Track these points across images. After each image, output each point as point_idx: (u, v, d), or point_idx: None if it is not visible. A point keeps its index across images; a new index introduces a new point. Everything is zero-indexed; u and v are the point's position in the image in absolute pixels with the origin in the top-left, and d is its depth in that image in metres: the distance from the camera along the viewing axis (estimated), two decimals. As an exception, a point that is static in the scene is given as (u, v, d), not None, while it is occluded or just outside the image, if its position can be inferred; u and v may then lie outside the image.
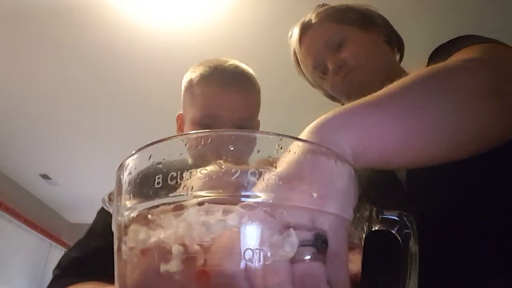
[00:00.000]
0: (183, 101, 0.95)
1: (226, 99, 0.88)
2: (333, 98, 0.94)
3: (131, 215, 0.29)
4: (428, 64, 0.65)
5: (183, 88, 0.95)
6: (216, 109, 0.87)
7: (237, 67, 0.92)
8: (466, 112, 0.41)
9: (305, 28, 0.88)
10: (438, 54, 0.63)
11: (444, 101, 0.40)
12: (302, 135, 0.34)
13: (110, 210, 0.33)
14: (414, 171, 0.58)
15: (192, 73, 0.93)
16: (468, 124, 0.41)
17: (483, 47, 0.53)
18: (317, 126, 0.35)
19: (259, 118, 0.94)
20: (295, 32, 0.90)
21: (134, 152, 0.30)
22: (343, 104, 0.94)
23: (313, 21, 0.87)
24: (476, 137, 0.42)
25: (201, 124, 0.87)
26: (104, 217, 0.90)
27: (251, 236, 0.25)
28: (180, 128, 0.97)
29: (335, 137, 0.34)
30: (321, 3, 0.93)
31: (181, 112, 0.97)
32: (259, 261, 0.24)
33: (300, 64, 0.92)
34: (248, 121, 0.89)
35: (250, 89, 0.93)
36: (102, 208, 0.90)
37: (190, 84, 0.92)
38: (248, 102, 0.91)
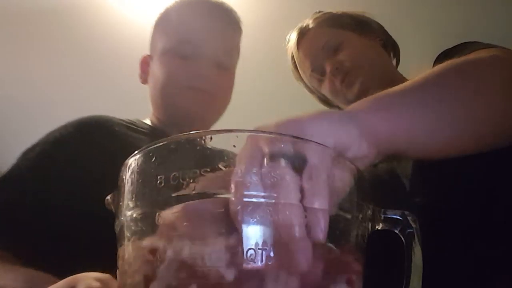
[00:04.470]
0: (152, 37, 0.86)
1: (207, 24, 0.80)
2: (328, 104, 0.95)
3: (134, 215, 0.29)
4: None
5: (154, 24, 0.86)
6: (195, 35, 0.79)
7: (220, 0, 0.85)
8: (492, 104, 0.41)
9: (303, 33, 0.90)
10: (444, 60, 0.64)
11: (470, 93, 0.41)
12: (332, 119, 0.35)
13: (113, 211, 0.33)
14: (420, 168, 0.58)
15: (169, 5, 0.85)
16: (491, 115, 0.41)
17: (493, 50, 0.53)
18: (350, 110, 0.36)
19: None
20: (293, 37, 0.92)
21: (136, 152, 0.30)
22: (339, 109, 0.95)
23: (311, 26, 0.89)
24: (499, 129, 0.42)
25: (175, 52, 0.79)
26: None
27: (253, 235, 0.25)
28: (144, 71, 0.87)
29: (367, 122, 0.35)
30: (318, 10, 0.94)
31: (146, 54, 0.88)
32: (262, 261, 0.24)
33: (298, 68, 0.93)
34: (227, 56, 0.82)
35: (233, 22, 0.86)
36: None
37: (166, 12, 0.85)
38: (229, 34, 0.84)
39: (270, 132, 0.29)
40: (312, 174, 0.27)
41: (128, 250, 0.29)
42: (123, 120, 0.81)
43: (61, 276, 0.44)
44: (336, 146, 0.32)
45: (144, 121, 0.87)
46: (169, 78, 0.79)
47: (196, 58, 0.78)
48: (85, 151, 0.69)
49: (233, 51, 0.85)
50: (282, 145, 0.28)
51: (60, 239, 0.61)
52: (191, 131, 0.83)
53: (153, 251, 0.26)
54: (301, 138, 0.29)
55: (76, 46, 2.38)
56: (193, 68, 0.77)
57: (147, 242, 0.27)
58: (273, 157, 0.27)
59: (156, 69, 0.82)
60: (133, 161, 0.30)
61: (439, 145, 0.40)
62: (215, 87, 0.79)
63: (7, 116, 2.93)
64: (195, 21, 0.80)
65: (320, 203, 0.27)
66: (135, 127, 0.81)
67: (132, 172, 0.30)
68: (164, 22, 0.84)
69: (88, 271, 0.43)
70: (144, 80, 0.87)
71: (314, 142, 0.29)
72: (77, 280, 0.42)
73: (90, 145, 0.71)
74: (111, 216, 0.58)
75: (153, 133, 0.82)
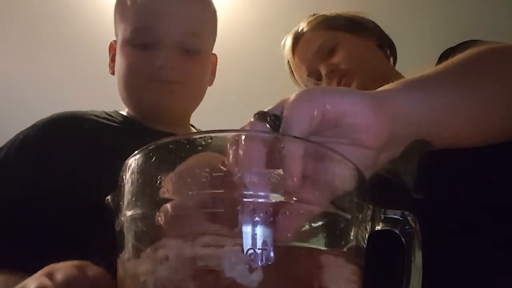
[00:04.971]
0: (114, 23, 0.78)
1: (165, 7, 0.72)
2: None
3: (134, 215, 0.29)
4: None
5: (114, 8, 0.78)
6: (152, 21, 0.71)
7: None
8: None
9: (297, 38, 0.89)
10: (448, 57, 0.64)
11: (501, 77, 0.40)
12: (327, 88, 0.34)
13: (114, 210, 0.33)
14: (425, 166, 0.57)
15: None
16: None
17: (502, 44, 0.53)
18: (379, 91, 0.35)
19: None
20: (288, 42, 0.91)
21: (136, 152, 0.30)
22: None
23: (305, 30, 0.89)
24: None
25: (133, 42, 0.72)
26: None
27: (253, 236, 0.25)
28: (112, 59, 0.80)
29: (383, 95, 0.34)
30: (312, 13, 0.94)
31: (114, 40, 0.80)
32: (262, 261, 0.24)
33: (294, 73, 0.93)
34: (193, 38, 0.74)
35: (198, 1, 0.77)
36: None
37: None
38: (194, 15, 0.75)
39: (266, 132, 0.29)
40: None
41: (128, 251, 0.29)
42: (97, 115, 0.76)
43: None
44: (326, 113, 0.30)
45: (122, 112, 0.82)
46: (131, 72, 0.73)
47: (157, 46, 0.71)
48: (50, 152, 0.67)
49: (202, 32, 0.77)
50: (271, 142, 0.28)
51: (28, 240, 0.60)
52: (163, 123, 0.80)
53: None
54: (292, 136, 0.29)
55: (76, 44, 2.38)
56: (155, 58, 0.70)
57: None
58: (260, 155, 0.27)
59: (118, 60, 0.76)
60: (133, 161, 0.30)
61: (464, 129, 0.39)
62: (182, 76, 0.73)
63: (7, 115, 2.93)
64: (151, 4, 0.72)
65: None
66: (108, 121, 0.76)
67: (132, 172, 0.30)
68: (120, 8, 0.77)
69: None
70: (113, 70, 0.80)
71: (295, 137, 0.29)
72: (54, 269, 0.42)
73: (55, 145, 0.68)
74: (77, 215, 0.58)
75: (126, 125, 0.77)
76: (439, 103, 0.36)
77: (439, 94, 0.37)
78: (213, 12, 0.81)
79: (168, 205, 0.26)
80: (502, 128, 0.41)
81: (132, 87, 0.75)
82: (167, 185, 0.26)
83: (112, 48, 0.81)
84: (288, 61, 0.94)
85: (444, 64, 0.41)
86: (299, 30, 0.90)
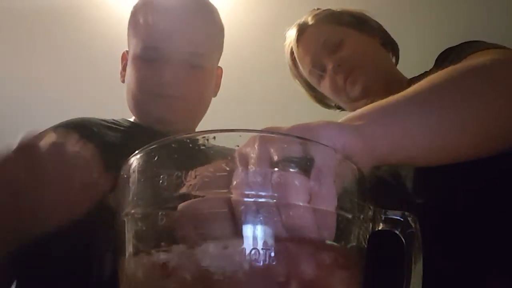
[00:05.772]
0: (127, 34, 0.82)
1: (173, 28, 0.75)
2: (324, 104, 0.95)
3: (135, 214, 0.29)
4: (435, 68, 0.64)
5: (128, 21, 0.82)
6: (160, 41, 0.75)
7: None
8: (501, 111, 0.41)
9: (303, 29, 0.89)
10: (447, 59, 0.63)
11: (478, 100, 0.40)
12: (341, 126, 0.34)
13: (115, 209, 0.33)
14: (423, 169, 0.57)
15: (137, 2, 0.81)
16: (499, 120, 0.41)
17: (497, 51, 0.52)
18: (351, 121, 0.36)
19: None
20: (292, 33, 0.91)
21: (137, 151, 0.30)
22: (338, 107, 0.95)
23: (310, 22, 0.88)
24: (508, 133, 0.42)
25: (142, 58, 0.76)
26: None
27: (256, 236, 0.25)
28: (124, 68, 0.84)
29: (369, 136, 0.34)
30: (316, 8, 0.94)
31: (127, 49, 0.83)
32: (265, 261, 0.24)
33: (298, 64, 0.92)
34: (199, 58, 0.77)
35: (205, 21, 0.80)
36: None
37: (134, 12, 0.80)
38: (200, 35, 0.78)
39: (274, 133, 0.29)
40: (319, 175, 0.27)
41: (129, 252, 0.29)
42: (105, 121, 0.79)
43: None
44: (344, 151, 0.31)
45: (130, 119, 0.84)
46: (138, 85, 0.77)
47: (164, 63, 0.74)
48: None
49: (208, 50, 0.80)
50: (290, 146, 0.28)
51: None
52: (167, 132, 0.78)
53: (164, 265, 0.25)
54: (309, 140, 0.29)
55: (76, 45, 2.37)
56: (161, 74, 0.74)
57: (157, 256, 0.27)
58: (280, 158, 0.27)
59: (128, 71, 0.80)
60: (134, 160, 0.30)
61: (444, 155, 0.40)
62: (187, 91, 0.76)
63: (8, 116, 2.92)
64: (160, 23, 0.76)
65: (327, 205, 0.27)
66: (115, 126, 0.79)
67: (133, 171, 0.30)
68: (132, 23, 0.81)
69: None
70: (123, 79, 0.84)
71: (322, 144, 0.29)
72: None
73: None
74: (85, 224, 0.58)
75: (134, 130, 0.80)
76: (416, 135, 0.37)
77: (415, 126, 0.37)
78: (221, 30, 0.84)
79: (195, 203, 0.26)
80: (481, 146, 0.42)
81: (139, 100, 0.78)
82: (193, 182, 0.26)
83: (124, 57, 0.84)
84: (291, 53, 0.93)
85: (418, 88, 0.41)
86: (304, 22, 0.89)
